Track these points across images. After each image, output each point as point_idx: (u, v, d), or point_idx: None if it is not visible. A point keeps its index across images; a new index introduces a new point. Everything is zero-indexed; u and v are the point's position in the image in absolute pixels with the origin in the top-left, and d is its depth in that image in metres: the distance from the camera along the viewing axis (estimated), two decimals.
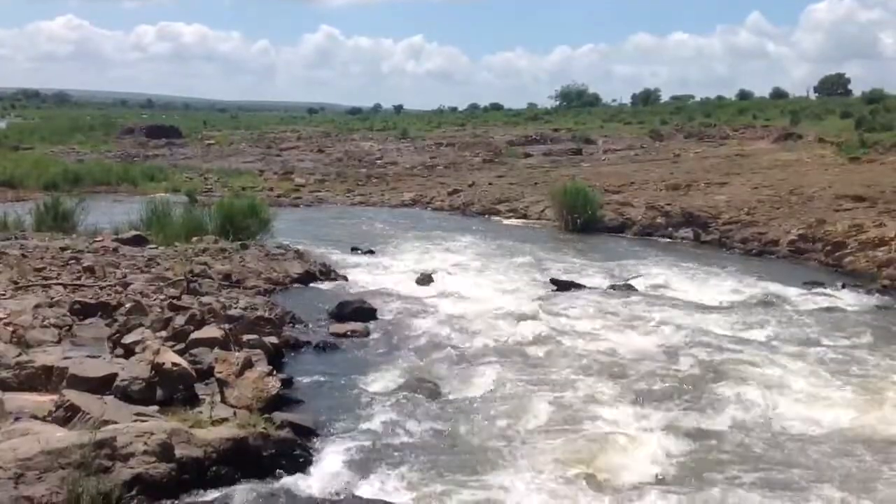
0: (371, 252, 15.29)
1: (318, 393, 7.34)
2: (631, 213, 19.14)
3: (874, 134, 28.78)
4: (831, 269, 14.07)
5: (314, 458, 5.81)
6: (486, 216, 21.77)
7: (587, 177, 23.89)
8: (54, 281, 9.85)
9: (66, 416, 5.56)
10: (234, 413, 6.15)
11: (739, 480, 5.64)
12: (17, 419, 5.47)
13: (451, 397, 7.33)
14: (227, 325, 8.06)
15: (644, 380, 7.78)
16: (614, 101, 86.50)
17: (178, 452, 5.22)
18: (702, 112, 57.88)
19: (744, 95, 75.93)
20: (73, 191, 21.95)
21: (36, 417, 5.55)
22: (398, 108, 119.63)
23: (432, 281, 12.30)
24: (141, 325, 8.01)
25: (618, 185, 22.54)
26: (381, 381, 7.65)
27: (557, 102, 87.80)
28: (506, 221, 20.94)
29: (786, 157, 26.08)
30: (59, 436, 5.03)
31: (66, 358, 6.85)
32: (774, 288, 12.21)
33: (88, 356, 7.07)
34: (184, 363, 6.73)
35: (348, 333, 9.28)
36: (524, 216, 21.24)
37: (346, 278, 12.62)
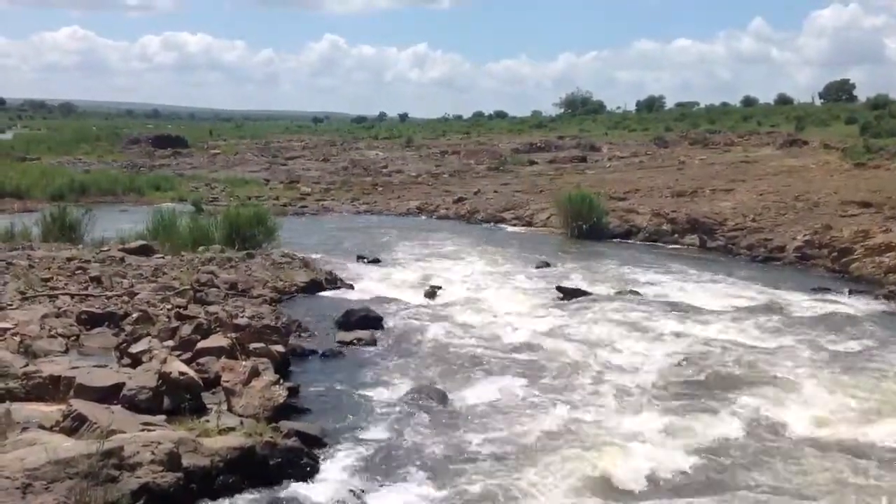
0: (377, 261, 15.30)
1: (324, 401, 7.34)
2: (636, 219, 19.12)
3: (879, 139, 28.74)
4: (838, 275, 14.04)
5: (321, 467, 5.81)
6: (492, 224, 21.78)
7: (592, 184, 23.89)
8: (61, 291, 9.89)
9: (74, 425, 5.56)
10: (241, 422, 6.16)
11: (746, 487, 5.62)
12: (24, 429, 5.47)
13: (457, 405, 7.32)
14: (233, 334, 8.06)
15: (650, 387, 7.77)
16: (618, 107, 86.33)
17: (185, 462, 5.22)
18: (706, 118, 57.79)
19: (748, 102, 75.80)
20: (79, 201, 22.08)
21: (43, 427, 5.56)
22: (403, 117, 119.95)
23: (438, 290, 12.28)
24: (148, 334, 8.04)
25: (623, 191, 22.54)
26: (387, 390, 7.64)
27: (562, 110, 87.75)
28: (511, 229, 20.94)
29: (791, 163, 26.04)
30: (67, 445, 5.04)
31: (73, 367, 6.86)
32: (781, 294, 12.19)
33: (96, 366, 7.09)
34: (191, 372, 6.74)
35: (354, 342, 9.29)
36: (529, 224, 21.23)
37: (352, 287, 12.62)
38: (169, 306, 9.49)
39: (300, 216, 23.03)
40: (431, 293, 12.23)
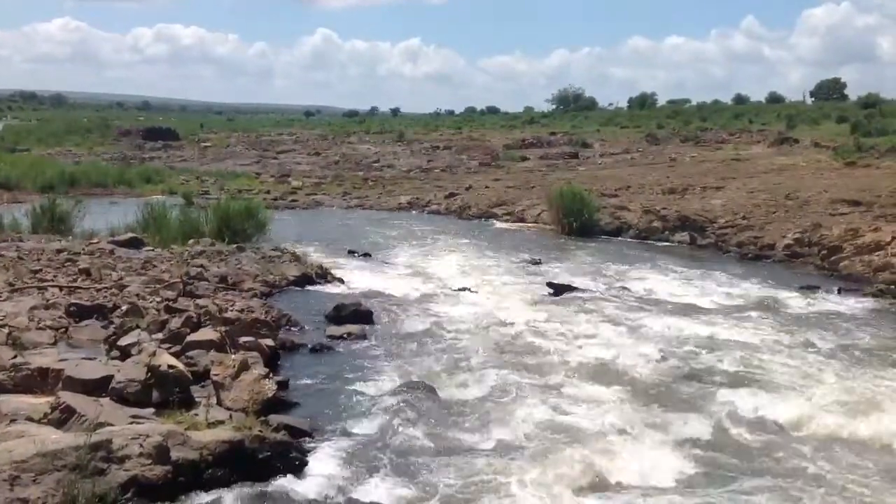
0: (368, 255, 15.29)
1: (314, 395, 7.34)
2: (627, 216, 19.16)
3: (870, 138, 28.91)
4: (827, 274, 14.10)
5: (310, 461, 5.80)
6: (483, 219, 21.78)
7: (584, 180, 23.90)
8: (50, 283, 9.84)
9: (62, 418, 5.55)
10: (230, 415, 6.14)
11: (733, 485, 5.65)
12: (12, 421, 5.46)
13: (446, 400, 7.33)
14: (223, 328, 8.05)
15: (639, 383, 7.80)
16: (611, 104, 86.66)
17: (173, 455, 5.21)
18: (698, 116, 58.04)
19: (740, 100, 76.12)
20: (69, 193, 21.97)
21: (31, 419, 5.54)
22: (395, 111, 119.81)
23: (430, 284, 12.27)
24: (137, 327, 8.01)
25: (614, 188, 22.56)
26: (377, 384, 7.64)
27: (554, 106, 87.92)
28: (502, 225, 20.94)
29: (782, 162, 26.15)
30: (55, 438, 5.02)
31: (61, 360, 6.84)
32: (770, 292, 12.25)
33: (84, 358, 7.06)
34: (180, 365, 6.72)
35: (345, 336, 9.28)
36: (521, 220, 21.24)
37: (342, 281, 12.61)
38: (158, 299, 9.46)
39: (291, 210, 23.00)
40: (422, 283, 12.24)
